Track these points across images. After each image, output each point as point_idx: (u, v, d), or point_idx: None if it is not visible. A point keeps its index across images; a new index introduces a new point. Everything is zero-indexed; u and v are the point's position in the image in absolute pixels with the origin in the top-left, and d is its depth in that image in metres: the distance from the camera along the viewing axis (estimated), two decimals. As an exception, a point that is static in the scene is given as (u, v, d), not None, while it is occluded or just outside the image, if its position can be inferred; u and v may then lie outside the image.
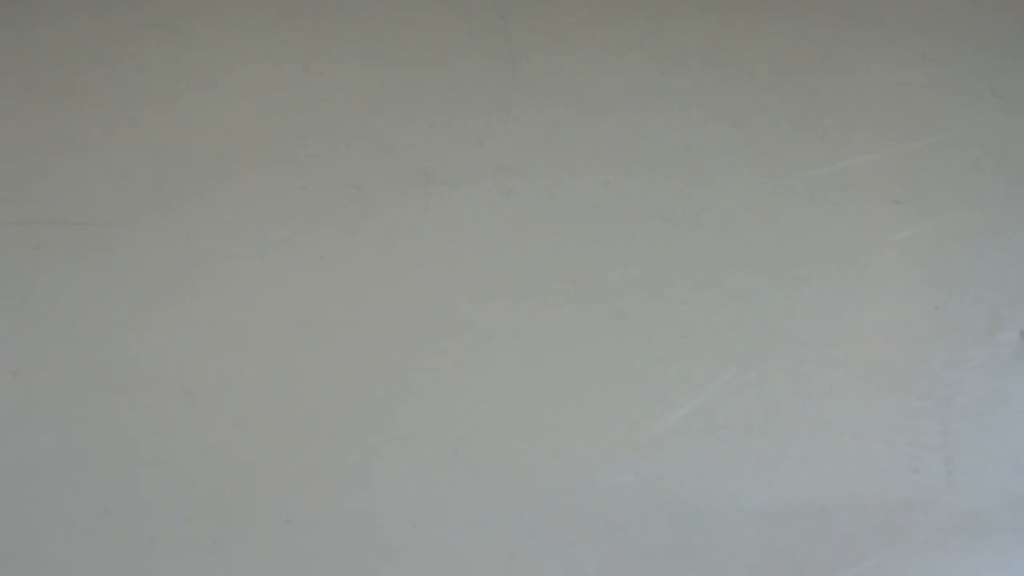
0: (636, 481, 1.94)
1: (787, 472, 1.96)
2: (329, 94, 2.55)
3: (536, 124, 2.51)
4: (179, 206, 2.30)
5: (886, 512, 1.92)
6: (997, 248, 2.32)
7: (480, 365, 2.09)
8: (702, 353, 2.12)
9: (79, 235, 2.24)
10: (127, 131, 2.44)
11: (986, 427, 2.03)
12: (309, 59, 2.62)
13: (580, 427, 2.01)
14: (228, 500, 1.89)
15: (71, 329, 2.09)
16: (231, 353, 2.08)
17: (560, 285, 2.21)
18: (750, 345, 2.13)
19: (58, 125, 2.44)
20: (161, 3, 2.73)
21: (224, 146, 2.42)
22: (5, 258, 2.20)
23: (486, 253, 2.26)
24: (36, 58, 2.58)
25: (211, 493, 1.89)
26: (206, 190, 2.33)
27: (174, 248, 2.23)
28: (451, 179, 2.38)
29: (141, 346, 2.07)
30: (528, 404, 2.04)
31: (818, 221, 2.35)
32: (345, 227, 2.29)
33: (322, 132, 2.47)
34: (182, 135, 2.44)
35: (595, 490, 1.93)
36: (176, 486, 1.90)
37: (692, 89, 2.61)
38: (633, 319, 2.16)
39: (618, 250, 2.28)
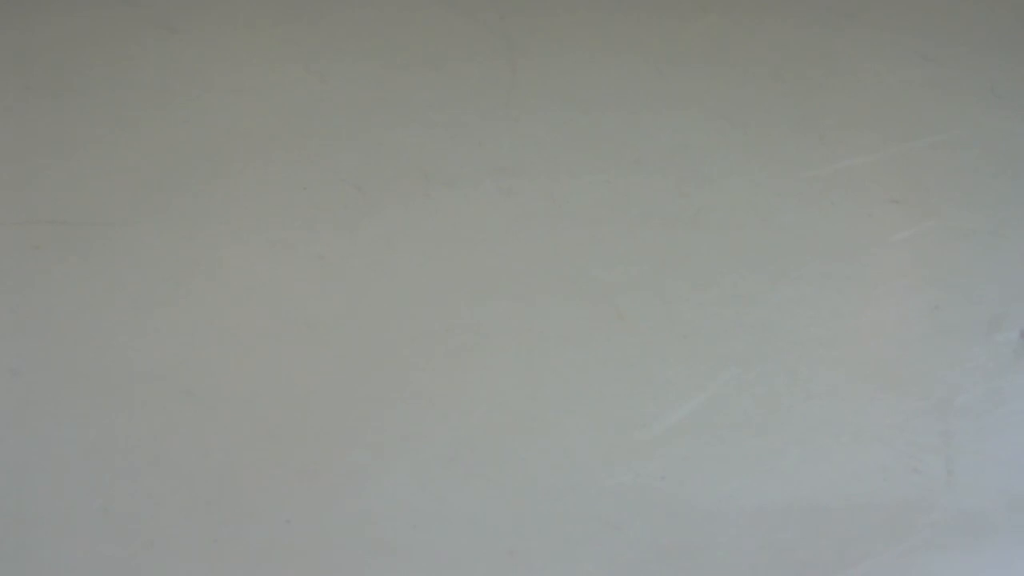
0: (636, 481, 1.94)
1: (787, 472, 1.96)
2: (329, 94, 2.55)
3: (536, 124, 2.51)
4: (179, 206, 2.30)
5: (886, 512, 1.92)
6: (997, 248, 2.32)
7: (480, 365, 2.09)
8: (702, 353, 2.12)
9: (79, 235, 2.24)
10: (127, 131, 2.44)
11: (986, 427, 2.03)
12: (309, 59, 2.62)
13: (580, 427, 2.01)
14: (228, 500, 1.89)
15: (71, 329, 2.09)
16: (231, 353, 2.08)
17: (560, 285, 2.21)
18: (750, 345, 2.13)
19: (58, 125, 2.44)
20: (160, 3, 2.73)
21: (224, 146, 2.42)
22: (5, 258, 2.20)
23: (486, 253, 2.26)
24: (36, 58, 2.58)
25: (211, 493, 1.89)
26: (206, 190, 2.33)
27: (174, 248, 2.23)
28: (451, 179, 2.38)
29: (141, 346, 2.07)
30: (528, 404, 2.04)
31: (818, 221, 2.35)
32: (345, 227, 2.29)
33: (322, 132, 2.47)
34: (182, 135, 2.44)
35: (595, 490, 1.93)
36: (176, 486, 1.90)
37: (692, 89, 2.61)
38: (633, 319, 2.16)
39: (618, 250, 2.28)
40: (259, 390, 2.03)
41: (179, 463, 1.92)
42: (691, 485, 1.94)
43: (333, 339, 2.11)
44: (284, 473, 1.92)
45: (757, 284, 2.23)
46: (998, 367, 2.11)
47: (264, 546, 1.84)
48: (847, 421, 2.03)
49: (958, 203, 2.40)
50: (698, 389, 2.06)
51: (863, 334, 2.18)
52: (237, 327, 2.12)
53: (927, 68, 2.69)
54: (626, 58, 2.67)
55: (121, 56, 2.60)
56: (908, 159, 2.48)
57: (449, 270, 2.23)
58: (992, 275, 2.27)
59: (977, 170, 2.47)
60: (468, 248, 2.27)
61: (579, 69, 2.65)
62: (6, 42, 2.62)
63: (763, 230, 2.34)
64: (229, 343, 2.09)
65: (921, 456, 1.99)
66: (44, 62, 2.58)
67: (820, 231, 2.34)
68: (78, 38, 2.63)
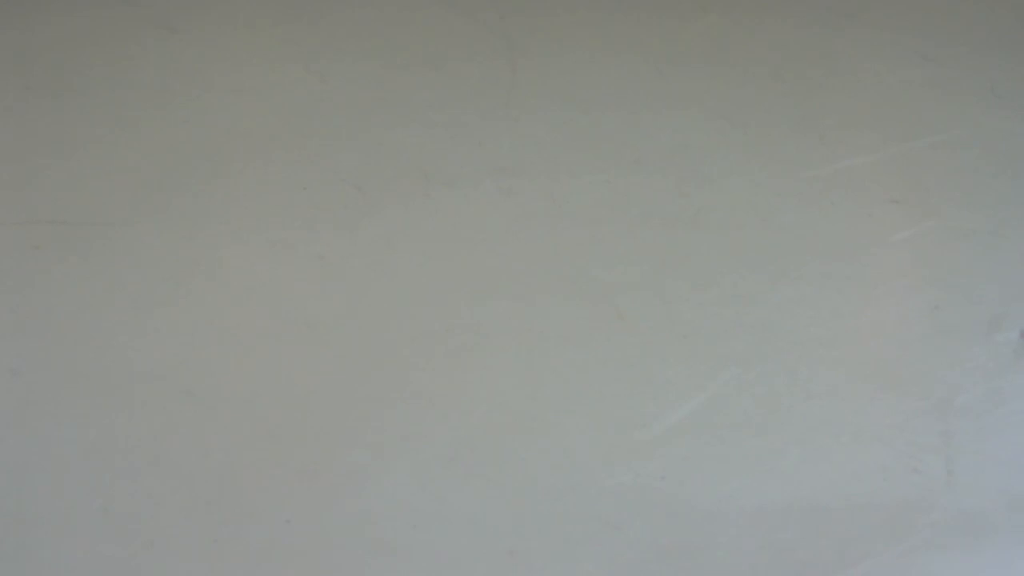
0: (636, 481, 1.94)
1: (787, 472, 1.96)
2: (329, 94, 2.55)
3: (536, 124, 2.51)
4: (179, 206, 2.30)
5: (886, 512, 1.92)
6: (997, 248, 2.32)
7: (480, 365, 2.09)
8: (702, 353, 2.12)
9: (79, 235, 2.24)
10: (127, 131, 2.44)
11: (986, 427, 2.03)
12: (309, 59, 2.62)
13: (580, 427, 2.01)
14: (228, 500, 1.89)
15: (71, 329, 2.09)
16: (231, 353, 2.08)
17: (560, 285, 2.21)
18: (750, 345, 2.13)
19: (58, 125, 2.44)
20: (160, 3, 2.73)
21: (224, 146, 2.42)
22: (5, 258, 2.20)
23: (486, 253, 2.26)
24: (36, 58, 2.58)
25: (211, 493, 1.89)
26: (206, 190, 2.33)
27: (174, 248, 2.23)
28: (451, 179, 2.38)
29: (141, 346, 2.07)
30: (528, 404, 2.04)
31: (818, 221, 2.35)
32: (345, 227, 2.29)
33: (322, 132, 2.47)
34: (182, 135, 2.44)
35: (595, 490, 1.93)
36: (176, 486, 1.90)
37: (692, 89, 2.61)
38: (633, 319, 2.16)
39: (618, 250, 2.28)
40: (259, 390, 2.03)
41: (179, 463, 1.92)
42: (691, 485, 1.94)
43: (333, 339, 2.11)
44: (284, 473, 1.92)
45: (757, 284, 2.23)
46: (998, 367, 2.11)
47: (264, 546, 1.84)
48: (847, 421, 2.03)
49: (958, 203, 2.40)
50: (698, 389, 2.06)
51: (863, 334, 2.18)
52: (237, 327, 2.12)
53: (927, 68, 2.69)
54: (626, 58, 2.67)
55: (121, 56, 2.60)
56: (908, 159, 2.48)
57: (449, 270, 2.23)
58: (992, 275, 2.27)
59: (977, 170, 2.47)
60: (468, 248, 2.27)
61: (579, 69, 2.65)
62: (6, 42, 2.62)
63: (763, 230, 2.34)
64: (229, 343, 2.09)
65: (921, 456, 1.99)
66: (44, 62, 2.58)
67: (820, 231, 2.34)
68: (78, 38, 2.63)
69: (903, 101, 2.61)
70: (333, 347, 2.09)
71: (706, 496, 1.93)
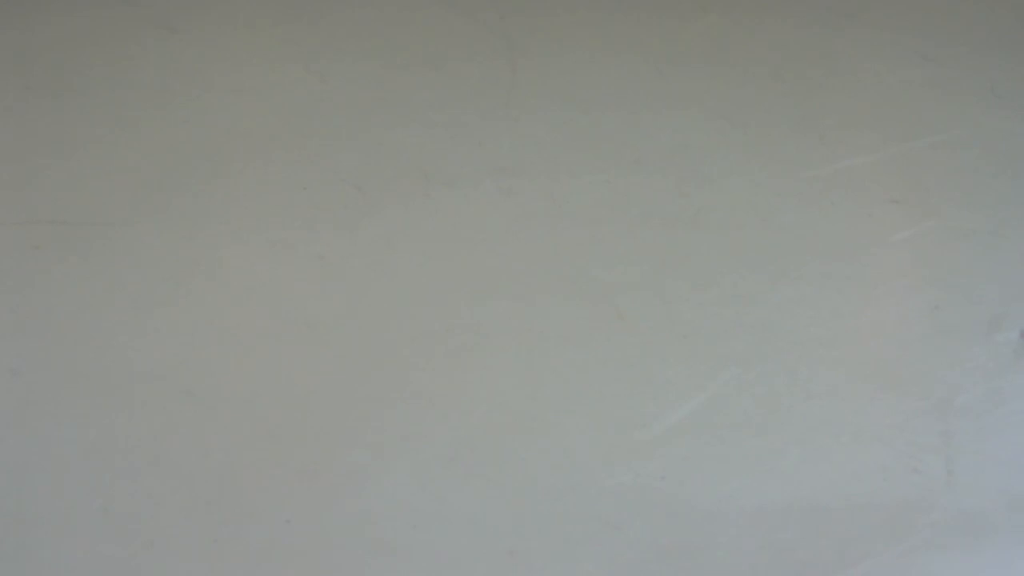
0: (636, 481, 1.94)
1: (787, 472, 1.96)
2: (329, 94, 2.55)
3: (536, 124, 2.51)
4: (179, 206, 2.30)
5: (886, 512, 1.92)
6: (997, 248, 2.32)
7: (480, 365, 2.09)
8: (702, 353, 2.12)
9: (79, 235, 2.24)
10: (127, 131, 2.44)
11: (986, 427, 2.03)
12: (309, 59, 2.62)
13: (580, 427, 2.01)
14: (228, 500, 1.89)
15: (71, 329, 2.09)
16: (231, 353, 2.08)
17: (560, 285, 2.21)
18: (750, 345, 2.13)
19: (58, 125, 2.44)
20: (160, 3, 2.73)
21: (224, 146, 2.42)
22: (5, 258, 2.20)
23: (486, 253, 2.26)
24: (36, 58, 2.58)
25: (211, 493, 1.89)
26: (206, 190, 2.33)
27: (174, 248, 2.23)
28: (451, 179, 2.38)
29: (141, 346, 2.07)
30: (528, 404, 2.04)
31: (818, 221, 2.35)
32: (345, 227, 2.29)
33: (322, 132, 2.47)
34: (182, 135, 2.44)
35: (595, 490, 1.93)
36: (176, 486, 1.90)
37: (692, 89, 2.61)
38: (633, 319, 2.16)
39: (618, 250, 2.28)
40: (259, 390, 2.03)
41: (179, 463, 1.92)
42: (691, 485, 1.94)
43: (333, 339, 2.11)
44: (284, 473, 1.92)
45: (757, 284, 2.23)
46: (998, 367, 2.11)
47: (264, 546, 1.84)
48: (847, 421, 2.03)
49: (958, 203, 2.40)
50: (698, 389, 2.06)
51: (863, 334, 2.18)
52: (237, 327, 2.12)
53: (927, 68, 2.69)
54: (626, 58, 2.67)
55: (121, 56, 2.60)
56: (908, 159, 2.48)
57: (449, 270, 2.23)
58: (992, 275, 2.27)
59: (977, 170, 2.47)
60: (468, 248, 2.27)
61: (579, 69, 2.65)
62: (6, 42, 2.62)
63: (763, 230, 2.34)
64: (229, 343, 2.09)
65: (921, 456, 1.99)
66: (44, 62, 2.58)
67: (820, 231, 2.34)
68: (78, 38, 2.63)
69: (903, 101, 2.61)
70: (333, 347, 2.09)
71: (706, 496, 1.93)
